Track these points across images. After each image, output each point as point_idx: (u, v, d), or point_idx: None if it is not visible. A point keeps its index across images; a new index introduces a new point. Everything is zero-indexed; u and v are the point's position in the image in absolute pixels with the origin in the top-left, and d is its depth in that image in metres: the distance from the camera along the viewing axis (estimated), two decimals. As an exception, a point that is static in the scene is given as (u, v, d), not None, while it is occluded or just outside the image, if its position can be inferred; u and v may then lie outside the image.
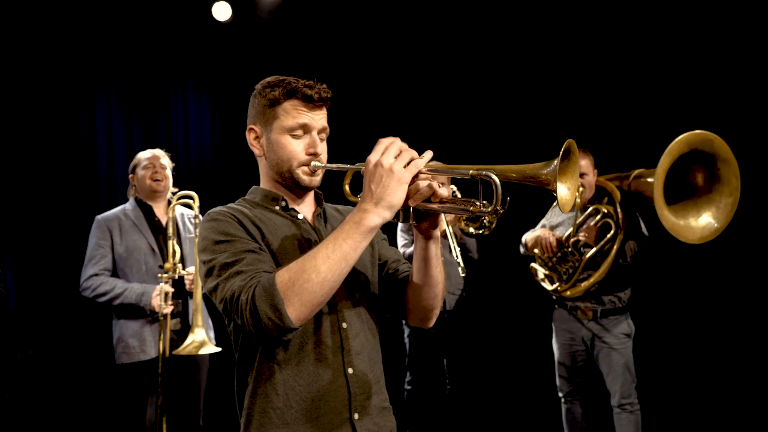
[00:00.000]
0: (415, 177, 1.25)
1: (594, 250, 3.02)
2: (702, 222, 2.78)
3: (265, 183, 1.55)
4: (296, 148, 1.44)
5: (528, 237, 3.36)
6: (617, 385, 3.09)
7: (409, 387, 3.77)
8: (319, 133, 1.47)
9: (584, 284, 3.05)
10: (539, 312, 3.69)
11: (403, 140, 1.27)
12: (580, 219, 3.13)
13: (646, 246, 3.03)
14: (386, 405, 1.49)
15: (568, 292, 3.12)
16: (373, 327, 1.51)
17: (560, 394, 3.32)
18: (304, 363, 1.37)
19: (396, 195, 1.21)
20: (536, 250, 3.25)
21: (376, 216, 1.22)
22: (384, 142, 1.26)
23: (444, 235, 3.58)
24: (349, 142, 4.88)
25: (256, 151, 1.51)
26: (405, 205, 1.28)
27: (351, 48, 5.21)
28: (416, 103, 5.12)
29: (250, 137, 1.51)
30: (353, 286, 1.47)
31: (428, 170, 1.27)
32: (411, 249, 3.66)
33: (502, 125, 4.75)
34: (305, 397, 1.36)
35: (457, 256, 3.44)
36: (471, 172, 1.25)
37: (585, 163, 3.10)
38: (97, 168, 4.57)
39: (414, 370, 3.76)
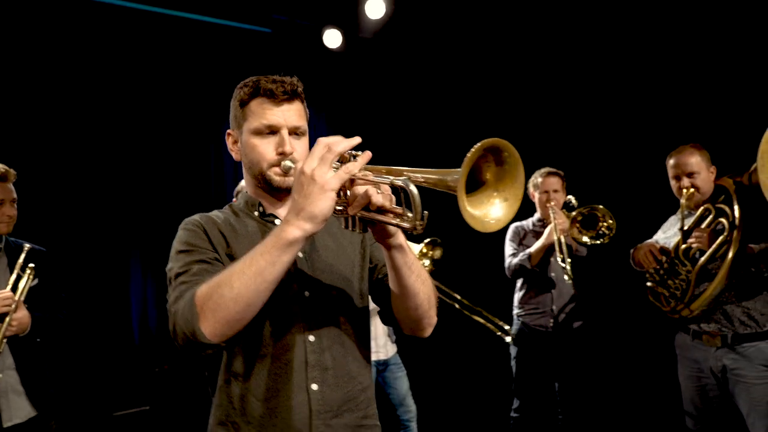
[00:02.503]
0: (353, 182, 1.15)
1: (706, 255, 2.49)
2: None
3: (248, 188, 1.48)
4: (265, 149, 1.36)
5: (634, 250, 2.88)
6: (761, 430, 2.46)
7: (515, 415, 3.43)
8: (291, 131, 1.37)
9: (700, 300, 2.51)
10: (666, 332, 3.11)
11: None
12: (690, 223, 2.60)
13: None
14: (364, 423, 1.38)
15: (684, 311, 2.58)
16: (349, 341, 1.39)
17: (692, 437, 2.75)
18: (263, 376, 1.30)
19: (318, 204, 1.08)
20: (641, 262, 2.78)
21: (296, 228, 1.10)
22: (319, 144, 1.12)
23: (551, 250, 3.26)
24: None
25: (235, 156, 1.46)
26: (346, 213, 1.20)
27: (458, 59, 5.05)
28: (527, 112, 4.81)
29: (229, 142, 1.47)
30: (328, 297, 1.38)
31: (366, 176, 1.15)
32: (516, 260, 3.37)
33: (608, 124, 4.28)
34: (262, 412, 1.29)
35: (566, 266, 3.13)
36: (391, 179, 1.12)
37: (696, 161, 2.64)
38: (224, 194, 4.98)
39: (521, 395, 3.42)
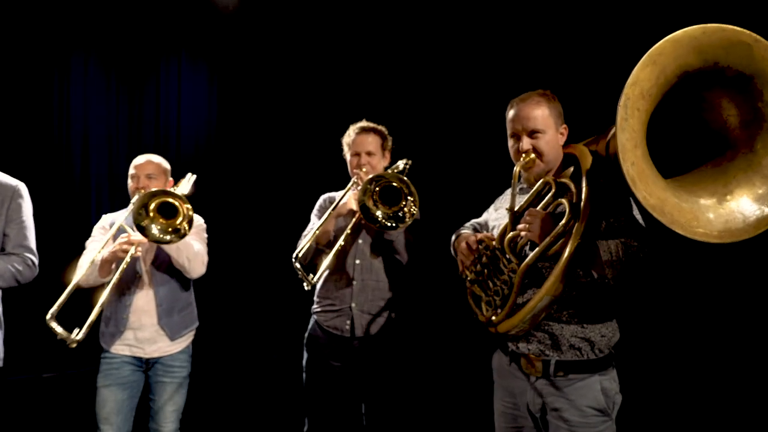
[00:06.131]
0: None
1: (536, 251, 1.74)
2: (732, 204, 1.46)
3: None
4: None
5: (456, 238, 2.18)
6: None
7: None
8: None
9: (522, 312, 1.78)
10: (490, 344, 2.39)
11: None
12: (523, 202, 1.89)
13: (646, 250, 1.69)
14: None
15: (503, 325, 1.86)
16: None
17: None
18: None
19: None
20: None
21: None
22: None
23: (359, 229, 2.49)
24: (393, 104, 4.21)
25: None
26: None
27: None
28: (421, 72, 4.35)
29: None
30: None
31: None
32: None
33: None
34: None
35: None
36: None
37: (542, 115, 1.87)
38: (69, 142, 4.22)
39: (312, 415, 2.55)
